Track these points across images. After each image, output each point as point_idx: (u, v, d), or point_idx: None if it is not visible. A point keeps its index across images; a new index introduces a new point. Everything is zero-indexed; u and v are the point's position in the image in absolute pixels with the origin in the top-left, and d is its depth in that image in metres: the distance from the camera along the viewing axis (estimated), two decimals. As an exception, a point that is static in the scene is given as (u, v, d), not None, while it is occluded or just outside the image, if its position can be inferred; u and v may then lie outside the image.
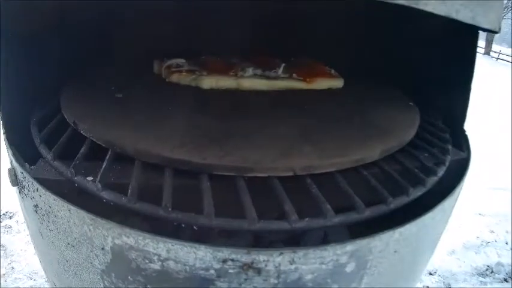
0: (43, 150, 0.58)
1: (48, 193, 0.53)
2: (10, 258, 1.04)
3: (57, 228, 0.55)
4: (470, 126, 0.80)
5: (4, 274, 0.99)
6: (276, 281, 0.46)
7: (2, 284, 0.99)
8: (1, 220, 1.17)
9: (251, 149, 0.54)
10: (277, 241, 0.74)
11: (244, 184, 0.50)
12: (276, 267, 0.46)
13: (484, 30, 0.66)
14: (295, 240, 0.75)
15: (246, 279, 0.46)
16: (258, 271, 0.46)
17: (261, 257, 0.45)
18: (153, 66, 0.82)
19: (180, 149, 0.53)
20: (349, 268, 0.49)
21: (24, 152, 0.60)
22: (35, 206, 0.56)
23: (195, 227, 0.48)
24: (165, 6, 0.86)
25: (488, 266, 1.69)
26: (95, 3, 0.72)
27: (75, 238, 0.53)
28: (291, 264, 0.46)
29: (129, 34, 0.88)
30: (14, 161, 0.58)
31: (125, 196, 0.49)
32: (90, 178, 0.53)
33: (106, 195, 0.50)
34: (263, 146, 0.55)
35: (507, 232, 1.87)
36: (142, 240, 0.47)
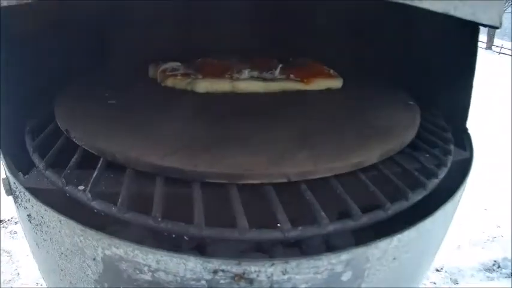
0: (36, 159, 0.56)
1: (39, 203, 0.51)
2: (16, 264, 1.03)
3: (50, 238, 0.53)
4: (472, 124, 0.76)
5: (10, 280, 0.98)
6: (269, 292, 0.44)
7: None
8: (6, 226, 1.16)
9: (244, 155, 0.51)
10: (277, 244, 0.72)
11: (237, 192, 0.48)
12: (269, 277, 0.43)
13: (484, 26, 0.62)
14: (297, 242, 0.73)
15: (238, 290, 0.44)
16: (250, 281, 0.43)
17: (252, 268, 0.43)
18: (149, 71, 0.80)
19: (171, 156, 0.50)
20: (345, 277, 0.47)
21: (19, 160, 0.59)
22: (29, 215, 0.55)
23: (185, 237, 0.45)
24: (162, 6, 0.83)
25: (495, 261, 1.64)
26: (91, 7, 0.69)
27: (67, 248, 0.51)
28: (284, 274, 0.43)
29: (125, 37, 0.86)
30: (7, 171, 0.57)
31: (115, 206, 0.47)
32: (81, 187, 0.51)
33: (96, 205, 0.48)
34: (257, 151, 0.53)
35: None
36: (132, 251, 0.45)
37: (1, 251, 1.11)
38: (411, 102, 0.77)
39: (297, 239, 0.47)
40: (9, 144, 0.60)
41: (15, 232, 1.17)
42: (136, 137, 0.55)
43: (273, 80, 0.76)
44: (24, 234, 0.63)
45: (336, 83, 0.80)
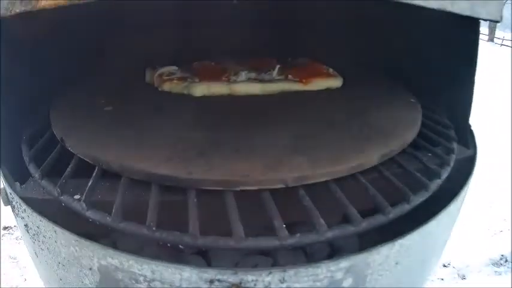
0: (32, 168, 0.54)
1: (34, 213, 0.50)
2: (22, 270, 1.02)
3: (47, 248, 0.52)
4: (476, 120, 0.74)
5: (16, 286, 0.98)
6: (267, 300, 0.42)
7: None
8: (12, 232, 1.16)
9: (240, 160, 0.50)
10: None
11: (233, 198, 0.46)
12: (266, 286, 0.42)
13: (484, 20, 0.60)
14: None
15: (235, 300, 0.42)
16: (248, 291, 0.42)
17: (249, 277, 0.41)
18: (145, 75, 0.78)
19: (165, 164, 0.48)
20: (346, 283, 0.45)
21: (16, 170, 0.57)
22: (26, 225, 0.54)
23: (180, 246, 0.44)
24: (159, 10, 0.82)
25: (502, 255, 1.61)
26: (85, 13, 0.68)
27: (64, 258, 0.50)
28: (282, 283, 0.42)
29: (121, 42, 0.84)
30: (3, 181, 0.56)
31: (109, 215, 0.45)
32: (77, 196, 0.50)
33: (91, 214, 0.46)
34: (253, 156, 0.51)
35: (521, 220, 1.78)
36: (126, 261, 0.43)
37: (8, 257, 1.11)
38: (413, 100, 0.74)
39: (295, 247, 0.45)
40: (6, 153, 0.58)
41: (21, 238, 1.16)
42: (132, 144, 0.53)
43: (271, 81, 0.74)
44: (24, 243, 0.62)
45: (336, 83, 0.78)
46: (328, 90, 0.77)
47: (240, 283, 0.41)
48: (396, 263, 0.48)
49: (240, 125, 0.60)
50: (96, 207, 0.47)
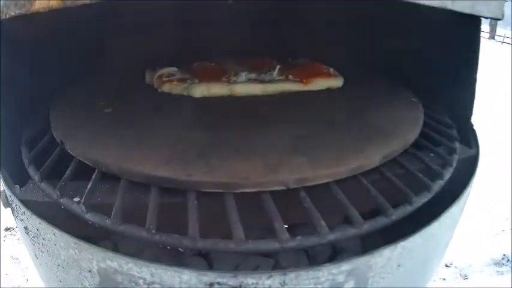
0: (31, 171, 0.54)
1: (34, 216, 0.49)
2: (24, 271, 1.02)
3: (47, 250, 0.51)
4: (478, 119, 0.73)
5: (18, 286, 0.97)
6: (268, 304, 0.41)
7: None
8: (14, 233, 1.15)
9: (240, 162, 0.49)
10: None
11: (233, 201, 0.45)
12: (267, 290, 0.41)
13: (485, 18, 0.59)
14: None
15: (235, 303, 0.41)
16: (248, 294, 0.41)
17: (249, 280, 0.40)
18: (145, 77, 0.77)
19: (164, 166, 0.48)
20: (348, 286, 0.44)
21: (16, 172, 0.57)
22: (25, 228, 0.53)
23: (180, 249, 0.43)
24: (159, 11, 0.81)
25: (504, 254, 1.59)
26: (85, 14, 0.67)
27: (63, 260, 0.49)
28: (282, 286, 0.41)
29: (122, 42, 0.83)
30: (3, 183, 0.55)
31: (109, 218, 0.44)
32: (77, 199, 0.49)
33: (90, 217, 0.46)
34: (253, 158, 0.50)
35: (523, 219, 1.77)
36: (126, 264, 0.43)
37: (10, 258, 1.10)
38: (414, 100, 0.73)
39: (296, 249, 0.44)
40: (6, 155, 0.58)
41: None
42: (131, 146, 0.53)
43: (271, 81, 0.73)
44: (24, 245, 0.61)
45: (336, 82, 0.77)
46: (328, 90, 0.76)
47: (240, 286, 0.41)
48: (398, 265, 0.47)
49: (240, 125, 0.60)
50: (96, 210, 0.46)
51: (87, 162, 0.52)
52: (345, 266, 0.42)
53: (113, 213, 0.44)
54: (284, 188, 0.47)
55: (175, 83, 0.71)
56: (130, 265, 0.42)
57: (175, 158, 0.49)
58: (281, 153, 0.51)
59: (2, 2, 0.44)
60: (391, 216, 0.46)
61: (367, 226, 0.44)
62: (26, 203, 0.51)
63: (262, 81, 0.73)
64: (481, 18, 0.63)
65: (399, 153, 0.56)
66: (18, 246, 1.13)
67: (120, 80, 0.78)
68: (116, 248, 0.77)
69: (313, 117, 0.64)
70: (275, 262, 0.71)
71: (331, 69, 0.79)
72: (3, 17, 0.43)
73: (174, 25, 0.89)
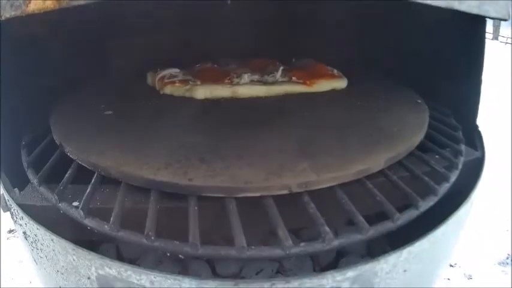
0: (30, 174, 0.52)
1: (31, 221, 0.48)
2: (28, 273, 1.01)
3: (45, 256, 0.50)
4: (483, 120, 0.71)
5: (22, 288, 0.97)
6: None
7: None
8: (18, 236, 1.14)
9: (242, 166, 0.47)
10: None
11: (235, 206, 0.43)
12: (269, 298, 0.39)
13: (491, 18, 0.57)
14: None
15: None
16: (250, 303, 0.39)
17: (251, 289, 0.39)
18: (147, 78, 0.76)
19: (165, 170, 0.46)
20: (353, 293, 0.42)
21: (15, 176, 0.55)
22: (24, 232, 0.52)
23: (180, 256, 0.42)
24: (161, 12, 0.79)
25: (508, 254, 1.57)
26: (87, 15, 0.66)
27: (62, 266, 0.48)
28: (286, 294, 0.39)
29: (123, 43, 0.82)
30: (2, 187, 0.54)
31: (107, 224, 0.43)
32: (75, 203, 0.48)
33: (89, 222, 0.44)
34: (255, 162, 0.48)
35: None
36: (125, 271, 0.41)
37: (13, 260, 1.09)
38: (419, 101, 0.71)
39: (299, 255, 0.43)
40: (5, 158, 0.57)
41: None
42: (131, 149, 0.51)
43: (274, 83, 0.71)
44: (24, 249, 0.60)
45: (340, 83, 0.75)
46: (332, 92, 0.74)
47: (242, 294, 0.39)
48: (404, 271, 0.46)
49: (242, 128, 0.58)
50: (95, 215, 0.45)
51: (87, 166, 0.50)
52: (350, 273, 0.40)
53: (111, 219, 0.43)
54: (287, 192, 0.45)
55: (177, 84, 0.69)
56: (129, 272, 0.41)
57: (176, 162, 0.48)
58: (284, 157, 0.49)
59: None
60: (397, 221, 0.44)
61: (372, 231, 0.42)
62: (24, 208, 0.50)
63: (265, 83, 0.71)
64: (486, 19, 0.61)
65: (404, 155, 0.55)
66: (21, 248, 1.12)
67: (121, 82, 0.76)
68: (117, 250, 0.76)
69: (317, 119, 0.62)
70: (279, 265, 0.70)
71: (335, 70, 0.77)
72: None
73: (174, 26, 0.87)
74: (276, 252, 0.39)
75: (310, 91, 0.72)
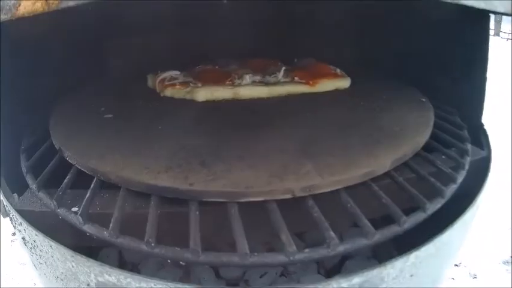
0: (29, 179, 0.51)
1: (30, 227, 0.47)
2: (31, 275, 1.00)
3: (45, 262, 0.49)
4: (488, 119, 0.69)
5: (26, 288, 0.96)
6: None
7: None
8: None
9: (244, 169, 0.46)
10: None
11: (237, 211, 0.42)
12: (273, 306, 0.38)
13: (498, 14, 0.55)
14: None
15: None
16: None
17: (255, 297, 0.37)
18: (147, 80, 0.74)
19: (165, 174, 0.45)
20: (359, 299, 0.41)
21: (15, 181, 0.54)
22: (23, 238, 0.50)
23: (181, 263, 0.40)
24: (160, 13, 0.78)
25: (513, 253, 1.55)
26: (86, 16, 0.64)
27: (62, 272, 0.47)
28: (290, 302, 0.38)
29: (123, 45, 0.81)
30: (0, 192, 0.53)
31: (107, 230, 0.42)
32: (75, 209, 0.47)
33: (88, 228, 0.43)
34: (258, 165, 0.47)
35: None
36: (124, 279, 0.40)
37: (16, 262, 1.08)
38: (423, 99, 0.70)
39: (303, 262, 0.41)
40: (5, 163, 0.56)
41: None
42: (131, 153, 0.50)
43: (276, 83, 0.70)
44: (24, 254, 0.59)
45: (344, 83, 0.73)
46: (335, 92, 0.72)
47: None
48: (411, 275, 0.44)
49: (244, 130, 0.56)
50: (95, 220, 0.44)
51: (86, 171, 0.49)
52: (357, 279, 0.39)
53: (111, 225, 0.42)
54: (291, 196, 0.43)
55: (177, 86, 0.68)
56: (128, 280, 0.40)
57: (176, 166, 0.46)
58: (288, 160, 0.48)
59: None
60: (403, 225, 0.42)
61: (378, 236, 0.41)
62: (22, 213, 0.49)
63: (267, 84, 0.70)
64: (490, 15, 0.60)
65: (410, 156, 0.53)
66: (24, 250, 1.11)
67: (121, 84, 0.75)
68: (120, 255, 0.75)
69: (320, 120, 0.60)
70: (283, 268, 0.68)
71: (338, 70, 0.76)
72: None
73: (174, 26, 0.86)
74: (280, 258, 0.38)
75: (313, 91, 0.71)
